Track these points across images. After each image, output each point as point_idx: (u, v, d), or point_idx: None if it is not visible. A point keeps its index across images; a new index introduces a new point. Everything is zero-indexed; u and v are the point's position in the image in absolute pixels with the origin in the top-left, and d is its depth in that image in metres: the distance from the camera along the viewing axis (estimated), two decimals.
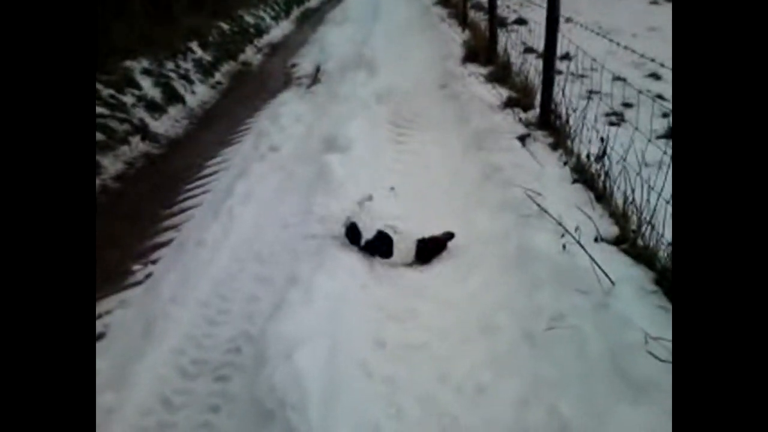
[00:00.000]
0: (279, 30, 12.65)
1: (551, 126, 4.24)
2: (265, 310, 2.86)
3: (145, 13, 7.73)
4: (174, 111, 6.73)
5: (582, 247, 2.54)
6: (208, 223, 3.94)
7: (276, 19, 13.20)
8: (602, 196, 3.13)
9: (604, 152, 3.13)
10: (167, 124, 6.39)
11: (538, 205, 2.89)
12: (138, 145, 5.77)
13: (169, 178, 5.20)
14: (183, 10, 9.28)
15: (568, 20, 5.56)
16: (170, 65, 7.52)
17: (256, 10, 12.57)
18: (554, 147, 3.92)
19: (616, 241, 2.71)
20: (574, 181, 3.41)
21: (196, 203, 4.56)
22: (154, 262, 3.70)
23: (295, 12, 15.21)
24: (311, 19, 14.39)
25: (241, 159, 5.27)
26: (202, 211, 4.27)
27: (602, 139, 3.24)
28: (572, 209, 3.07)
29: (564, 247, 2.56)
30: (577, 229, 2.76)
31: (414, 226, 3.36)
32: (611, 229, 2.77)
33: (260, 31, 11.57)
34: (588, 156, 3.45)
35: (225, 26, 10.36)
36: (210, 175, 5.16)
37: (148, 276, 3.52)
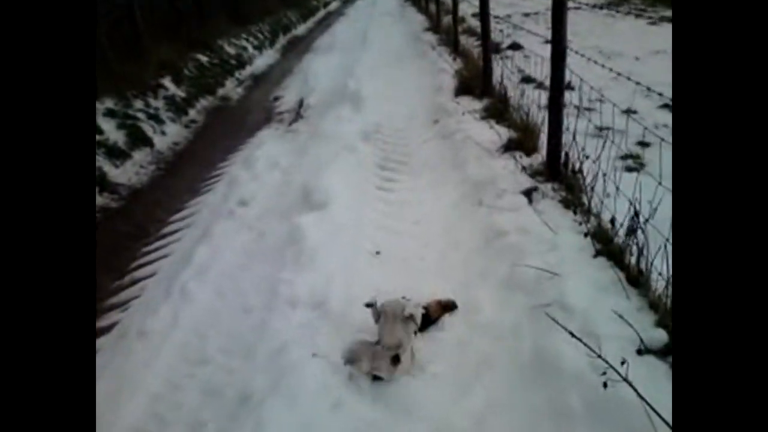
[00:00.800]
0: (263, 60, 12.11)
1: (561, 176, 3.62)
2: None
3: (111, 45, 7.12)
4: (139, 156, 6.11)
5: (630, 385, 1.88)
6: (158, 303, 3.29)
7: (260, 48, 12.67)
8: (636, 279, 2.49)
9: (636, 223, 2.50)
10: (130, 172, 5.76)
11: (563, 326, 2.23)
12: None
13: (125, 239, 4.55)
14: (155, 42, 8.71)
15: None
16: (138, 104, 6.92)
17: (237, 39, 12.04)
18: (567, 205, 3.29)
19: (667, 351, 2.07)
20: (597, 254, 2.78)
21: (150, 272, 3.91)
22: None
23: (281, 40, 14.71)
24: (298, 47, 13.89)
25: (208, 214, 4.64)
26: (154, 285, 3.62)
27: (632, 206, 2.62)
28: (600, 298, 2.44)
29: (605, 385, 1.89)
30: (610, 337, 2.12)
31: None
32: (657, 334, 2.13)
33: (242, 62, 11.02)
34: (612, 221, 2.83)
35: (203, 58, 9.80)
36: (172, 233, 4.51)
37: None
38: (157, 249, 4.27)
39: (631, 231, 2.54)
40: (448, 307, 2.86)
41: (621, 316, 2.20)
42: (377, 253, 3.59)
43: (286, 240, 3.70)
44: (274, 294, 3.10)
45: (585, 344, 2.07)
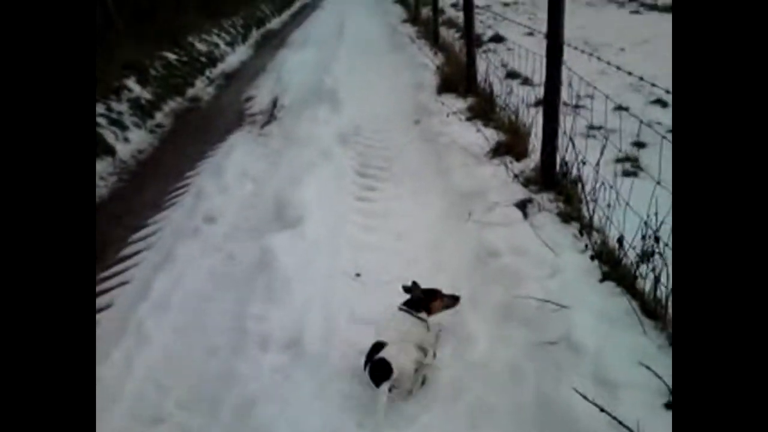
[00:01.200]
0: (235, 56, 11.62)
1: (557, 185, 3.30)
2: None
3: None
4: (100, 166, 5.66)
5: None
6: (110, 345, 2.90)
7: (232, 44, 12.17)
8: (653, 310, 2.17)
9: (651, 246, 2.18)
10: None
11: (579, 393, 1.91)
12: None
13: None
14: (119, 41, 8.21)
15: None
16: (99, 108, 6.46)
17: (209, 35, 11.53)
18: (566, 218, 2.97)
19: None
20: (604, 277, 2.46)
21: (105, 303, 3.51)
22: None
23: (254, 35, 14.20)
24: (272, 42, 13.39)
25: (171, 232, 4.25)
26: (108, 322, 3.23)
27: (645, 225, 2.30)
28: (613, 334, 2.12)
29: None
30: (630, 386, 1.79)
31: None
32: None
33: (213, 60, 10.53)
34: (620, 241, 2.51)
35: (171, 56, 9.30)
36: (131, 256, 4.11)
37: None
38: (113, 275, 3.86)
39: (647, 255, 2.22)
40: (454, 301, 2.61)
41: (648, 367, 1.87)
42: (357, 275, 3.24)
43: (257, 265, 3.34)
44: (243, 332, 2.74)
45: (602, 409, 1.74)
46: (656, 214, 2.31)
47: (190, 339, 2.85)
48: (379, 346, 2.30)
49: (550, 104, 3.26)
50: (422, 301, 2.51)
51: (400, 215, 3.93)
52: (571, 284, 2.45)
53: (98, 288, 3.73)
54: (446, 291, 2.95)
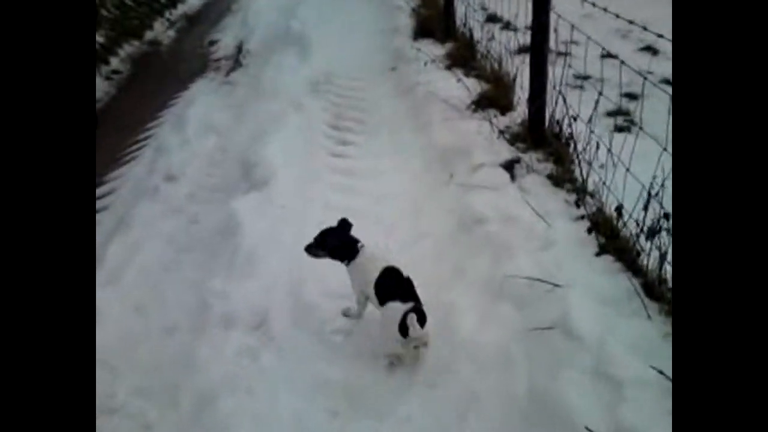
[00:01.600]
0: None
1: (546, 143, 3.05)
2: None
3: None
4: None
5: None
6: None
7: None
8: (659, 292, 1.98)
9: (657, 223, 1.96)
10: None
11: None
12: None
13: None
14: None
15: None
16: None
17: None
18: (557, 182, 2.74)
19: None
20: (600, 251, 2.25)
21: None
22: None
23: None
24: None
25: (129, 191, 3.91)
26: None
27: (647, 193, 2.08)
28: (615, 319, 1.93)
29: None
30: (636, 383, 1.61)
31: None
32: None
33: (173, 0, 9.82)
34: (619, 211, 2.29)
35: None
36: None
37: None
38: None
39: (652, 232, 2.00)
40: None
41: (660, 372, 1.66)
42: None
43: (221, 231, 3.06)
44: (205, 308, 2.49)
45: None
46: (654, 178, 2.09)
47: (147, 315, 2.59)
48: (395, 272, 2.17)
49: (537, 53, 2.97)
50: None
51: (378, 174, 3.65)
52: (566, 259, 2.24)
53: None
54: (429, 261, 2.73)
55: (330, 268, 2.74)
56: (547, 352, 1.88)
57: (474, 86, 4.04)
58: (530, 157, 2.94)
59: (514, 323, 2.10)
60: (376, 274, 2.20)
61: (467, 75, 4.29)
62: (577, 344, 1.84)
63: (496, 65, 4.18)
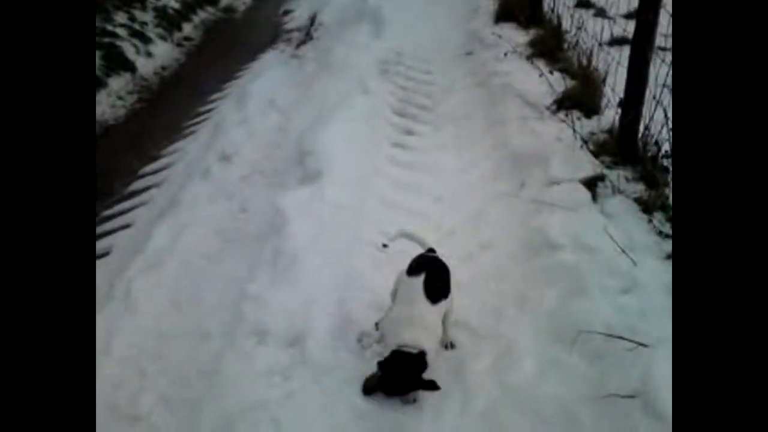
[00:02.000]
0: None
1: (638, 160, 2.66)
2: None
3: None
4: (117, 84, 5.18)
5: None
6: (98, 305, 2.53)
7: None
8: None
9: None
10: (104, 104, 4.87)
11: None
12: None
13: None
14: None
15: None
16: (120, 17, 5.91)
17: None
18: (647, 208, 2.36)
19: None
20: None
21: (102, 249, 3.14)
22: None
23: None
24: None
25: (183, 169, 3.80)
26: (98, 276, 2.85)
27: None
28: None
29: None
30: None
31: None
32: None
33: None
34: None
35: None
36: (138, 193, 3.71)
37: None
38: (116, 215, 3.48)
39: None
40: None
41: None
42: (384, 246, 2.73)
43: (268, 224, 2.87)
44: (239, 315, 2.31)
45: None
46: None
47: (181, 314, 2.45)
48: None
49: (638, 55, 2.56)
50: None
51: (441, 171, 3.36)
52: (653, 308, 1.90)
53: (98, 230, 3.35)
54: (488, 280, 2.45)
55: (381, 276, 2.50)
56: (622, 426, 1.58)
57: (557, 82, 3.64)
58: (617, 175, 2.56)
59: (584, 382, 1.79)
60: None
61: (551, 68, 3.88)
62: (662, 425, 1.52)
63: (584, 59, 3.75)
